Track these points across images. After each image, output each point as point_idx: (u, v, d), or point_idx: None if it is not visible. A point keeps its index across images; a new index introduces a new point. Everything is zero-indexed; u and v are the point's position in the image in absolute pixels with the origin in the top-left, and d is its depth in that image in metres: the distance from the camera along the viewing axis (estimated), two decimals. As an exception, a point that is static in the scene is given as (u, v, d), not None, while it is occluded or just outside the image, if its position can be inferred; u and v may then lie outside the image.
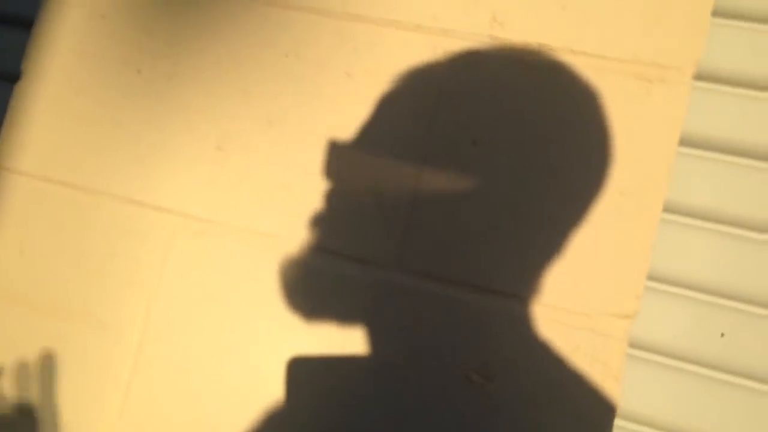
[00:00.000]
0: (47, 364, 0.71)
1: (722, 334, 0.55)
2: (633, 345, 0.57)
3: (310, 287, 0.66)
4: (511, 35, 0.64)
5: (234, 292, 0.68)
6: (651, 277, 0.57)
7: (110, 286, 0.71)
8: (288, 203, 0.67)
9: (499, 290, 0.61)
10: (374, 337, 0.63)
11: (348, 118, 0.67)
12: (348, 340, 0.64)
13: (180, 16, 0.72)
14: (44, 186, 0.74)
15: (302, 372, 0.65)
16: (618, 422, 0.56)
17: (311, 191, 0.67)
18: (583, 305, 0.58)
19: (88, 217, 0.72)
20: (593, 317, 0.58)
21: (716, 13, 0.58)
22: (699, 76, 0.58)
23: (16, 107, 0.76)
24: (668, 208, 0.58)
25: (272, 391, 0.65)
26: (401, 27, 0.67)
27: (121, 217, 0.72)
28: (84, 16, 0.75)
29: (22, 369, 0.71)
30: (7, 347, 0.73)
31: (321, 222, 0.66)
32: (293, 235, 0.67)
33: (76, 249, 0.72)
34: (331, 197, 0.66)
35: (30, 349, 0.72)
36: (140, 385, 0.69)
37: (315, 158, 0.67)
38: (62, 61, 0.75)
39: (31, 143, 0.75)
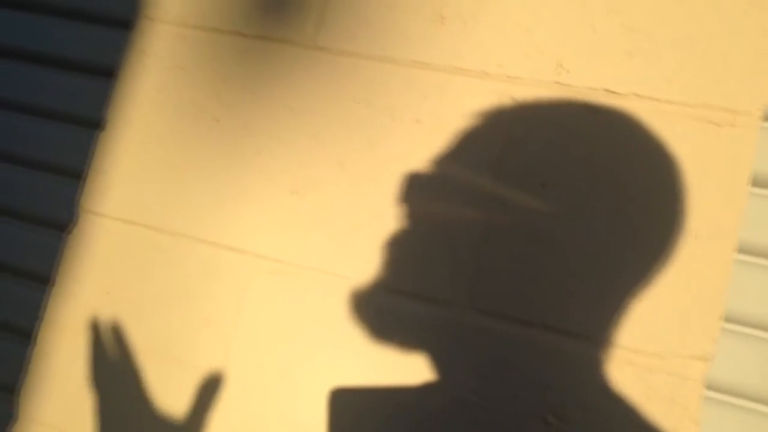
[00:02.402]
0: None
1: (801, 378, 0.59)
2: (710, 387, 0.61)
3: (383, 327, 0.72)
4: (576, 81, 0.69)
5: (308, 331, 0.74)
6: (727, 319, 0.62)
7: (190, 325, 0.79)
8: (360, 245, 0.74)
9: (571, 331, 0.66)
10: (447, 377, 0.69)
11: (418, 162, 0.73)
12: (420, 379, 0.70)
13: (254, 66, 0.80)
14: (127, 229, 0.83)
15: (374, 408, 0.71)
16: (696, 464, 0.60)
17: (382, 233, 0.73)
18: (658, 347, 0.63)
19: (170, 259, 0.80)
20: (669, 359, 0.62)
21: (785, 58, 0.63)
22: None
23: (100, 153, 0.85)
24: (741, 249, 0.63)
25: (347, 426, 0.71)
26: (468, 74, 0.73)
27: (200, 258, 0.79)
28: (163, 67, 0.84)
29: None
30: (89, 383, 0.81)
31: (393, 263, 0.73)
32: (365, 276, 0.73)
33: (158, 288, 0.80)
34: (403, 239, 0.73)
35: (111, 385, 0.80)
36: (219, 422, 0.76)
37: (386, 201, 0.73)
38: (143, 109, 0.84)
39: (115, 188, 0.84)
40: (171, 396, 0.76)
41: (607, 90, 0.67)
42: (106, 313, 0.80)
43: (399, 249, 0.71)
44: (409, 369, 0.69)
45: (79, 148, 0.84)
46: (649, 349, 0.62)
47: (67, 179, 0.84)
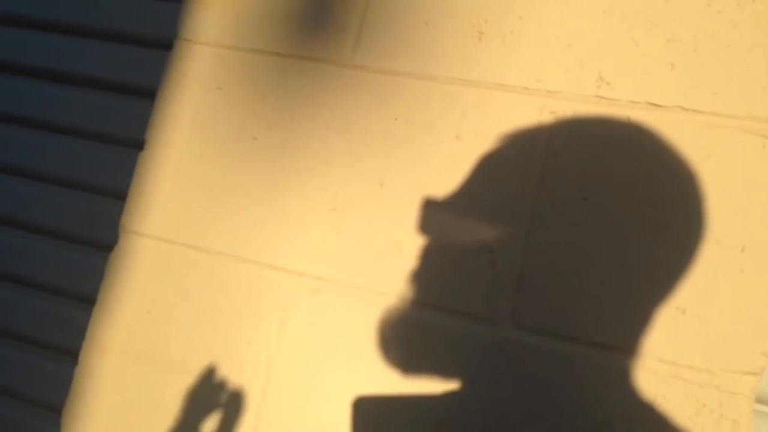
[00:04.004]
0: None
1: None
2: (760, 401, 0.65)
3: (425, 343, 0.77)
4: (618, 94, 0.74)
5: (350, 348, 0.80)
6: (776, 334, 0.65)
7: (232, 343, 0.85)
8: (400, 262, 0.79)
9: (616, 346, 0.69)
10: (490, 394, 0.73)
11: (458, 178, 0.78)
12: (463, 395, 0.74)
13: (292, 86, 0.87)
14: (168, 248, 0.89)
15: (417, 424, 0.76)
16: (749, 481, 0.64)
17: (423, 250, 0.78)
18: (707, 362, 0.67)
19: (210, 277, 0.87)
20: (718, 374, 0.66)
21: (831, 69, 0.67)
22: (816, 132, 0.66)
23: (141, 174, 0.92)
24: (791, 264, 0.66)
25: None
26: (507, 90, 0.78)
27: (240, 276, 0.85)
28: (202, 88, 0.91)
29: None
30: (134, 402, 0.88)
31: (434, 280, 0.78)
32: (406, 293, 0.78)
33: (199, 307, 0.86)
34: (443, 256, 0.78)
35: (155, 404, 0.87)
36: (262, 438, 0.81)
37: (426, 218, 0.79)
38: (183, 130, 0.91)
39: (156, 208, 0.91)
40: (213, 414, 0.82)
41: (649, 103, 0.71)
42: (146, 332, 0.86)
43: (440, 266, 0.76)
44: (452, 386, 0.73)
45: (121, 169, 0.91)
46: (698, 364, 0.65)
47: (110, 199, 0.92)
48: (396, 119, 0.79)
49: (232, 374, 0.81)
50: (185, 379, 0.83)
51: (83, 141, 0.95)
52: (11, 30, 1.01)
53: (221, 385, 0.81)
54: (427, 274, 0.75)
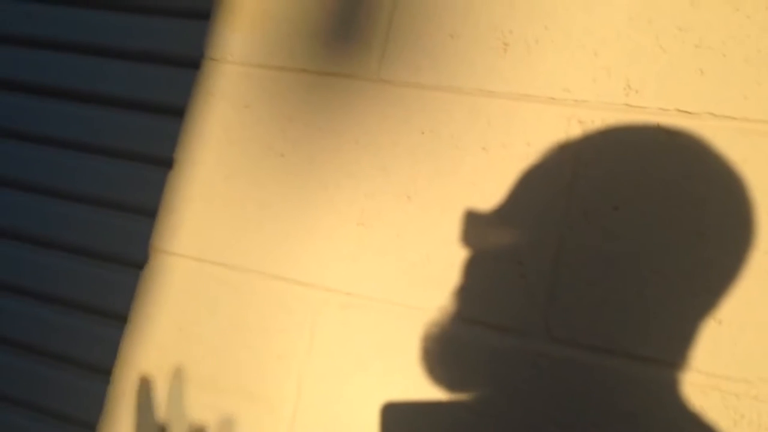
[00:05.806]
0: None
1: None
2: (802, 413, 0.66)
3: (455, 357, 0.80)
4: (647, 102, 0.76)
5: (380, 363, 0.83)
6: (816, 342, 0.67)
7: (262, 359, 0.89)
8: (430, 276, 0.83)
9: (653, 357, 0.72)
10: (525, 407, 0.76)
11: (486, 190, 0.81)
12: (496, 408, 0.77)
13: (319, 102, 0.91)
14: (198, 266, 0.94)
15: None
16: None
17: (452, 263, 0.82)
18: (744, 372, 0.69)
19: (240, 294, 0.91)
20: (756, 384, 0.68)
21: None
22: None
23: (169, 192, 0.98)
24: (830, 270, 0.68)
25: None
26: (534, 100, 0.81)
27: (270, 293, 0.90)
28: (229, 106, 0.97)
29: None
30: (166, 419, 0.93)
31: (463, 293, 0.81)
32: (436, 307, 0.81)
33: (229, 324, 0.91)
34: (473, 268, 0.81)
35: (187, 421, 0.91)
36: (294, 455, 0.85)
37: (454, 231, 0.82)
38: (211, 148, 0.96)
39: (185, 226, 0.96)
40: (244, 430, 0.87)
41: (679, 110, 0.74)
42: (177, 349, 0.91)
43: (470, 278, 0.80)
44: (485, 399, 0.76)
45: (151, 188, 0.97)
46: (735, 374, 0.67)
47: (140, 217, 0.97)
48: (423, 132, 0.83)
49: (263, 390, 0.85)
50: (215, 396, 0.87)
51: (113, 160, 1.01)
52: (41, 52, 1.08)
53: (252, 402, 0.86)
54: (458, 287, 0.79)
